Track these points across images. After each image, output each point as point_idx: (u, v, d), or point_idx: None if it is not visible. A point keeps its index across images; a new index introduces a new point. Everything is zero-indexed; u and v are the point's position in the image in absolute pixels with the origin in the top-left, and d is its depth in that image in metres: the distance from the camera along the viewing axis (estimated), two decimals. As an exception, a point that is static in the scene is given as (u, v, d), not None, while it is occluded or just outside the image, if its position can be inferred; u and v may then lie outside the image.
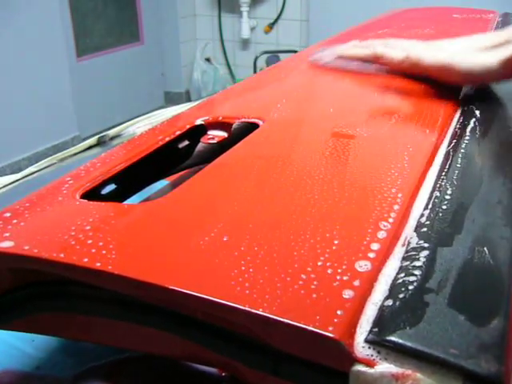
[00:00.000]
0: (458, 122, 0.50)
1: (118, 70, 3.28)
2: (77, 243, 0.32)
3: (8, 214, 0.36)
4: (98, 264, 0.29)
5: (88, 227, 0.33)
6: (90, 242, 0.32)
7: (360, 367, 0.24)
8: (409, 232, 0.32)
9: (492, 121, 0.52)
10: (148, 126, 0.80)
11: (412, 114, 0.53)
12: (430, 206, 0.35)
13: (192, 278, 0.28)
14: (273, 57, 3.13)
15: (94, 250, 0.31)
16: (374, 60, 0.65)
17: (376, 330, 0.24)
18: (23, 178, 0.69)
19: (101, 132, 0.79)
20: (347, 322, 0.25)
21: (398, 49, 0.63)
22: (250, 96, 0.63)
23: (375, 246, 0.30)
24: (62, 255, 0.31)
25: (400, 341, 0.24)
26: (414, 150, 0.43)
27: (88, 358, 0.51)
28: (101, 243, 0.31)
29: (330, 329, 0.24)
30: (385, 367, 0.23)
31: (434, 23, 1.03)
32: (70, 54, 2.88)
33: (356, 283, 0.27)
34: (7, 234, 0.33)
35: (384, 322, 0.25)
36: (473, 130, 0.48)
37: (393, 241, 0.31)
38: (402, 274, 0.28)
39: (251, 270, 0.28)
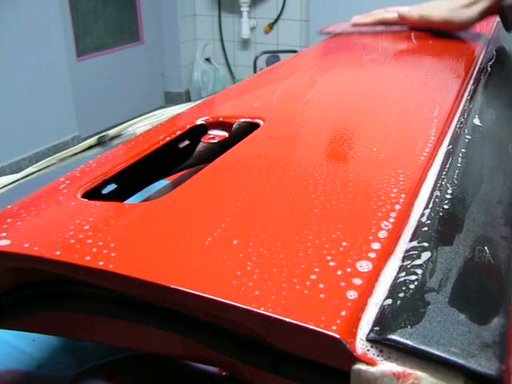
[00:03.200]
0: (458, 121, 0.50)
1: (118, 70, 3.28)
2: (78, 242, 0.32)
3: (5, 214, 0.36)
4: (101, 263, 0.29)
5: (89, 226, 0.33)
6: (90, 241, 0.32)
7: (361, 366, 0.24)
8: (409, 231, 0.32)
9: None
10: (148, 126, 0.80)
11: (413, 112, 0.53)
12: (430, 206, 0.35)
13: (195, 278, 0.28)
14: (273, 57, 3.13)
15: (95, 250, 0.31)
16: (399, 20, 0.92)
17: (377, 328, 0.25)
18: (23, 178, 0.69)
19: (101, 132, 0.79)
20: (349, 321, 0.25)
21: (413, 11, 0.91)
22: (250, 96, 0.64)
23: (376, 246, 0.30)
24: (63, 254, 0.31)
25: (401, 339, 0.24)
26: (415, 149, 0.43)
27: (88, 357, 0.51)
28: (102, 242, 0.31)
29: (332, 328, 0.24)
30: (386, 366, 0.23)
31: None
32: (69, 54, 2.88)
33: (357, 283, 0.27)
34: (4, 234, 0.33)
35: (385, 320, 0.25)
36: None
37: (394, 240, 0.31)
38: (403, 274, 0.28)
39: (255, 270, 0.28)
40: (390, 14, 0.94)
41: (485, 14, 0.84)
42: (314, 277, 0.27)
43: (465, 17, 0.84)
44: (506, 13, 0.82)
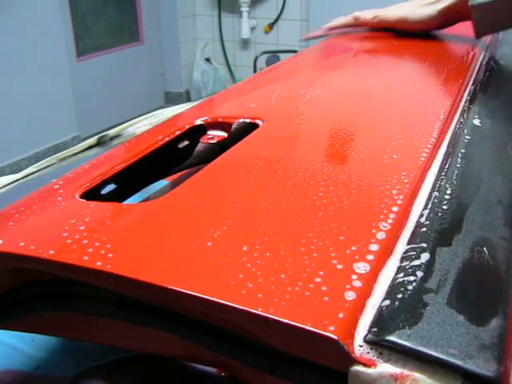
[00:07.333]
0: (458, 121, 0.50)
1: (118, 70, 3.28)
2: (74, 242, 0.32)
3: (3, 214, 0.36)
4: (98, 263, 0.29)
5: (86, 226, 0.33)
6: (87, 241, 0.32)
7: (359, 367, 0.24)
8: (408, 232, 0.32)
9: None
10: (148, 126, 0.80)
11: (413, 113, 0.53)
12: (429, 206, 0.35)
13: (192, 279, 0.28)
14: (273, 57, 3.13)
15: (91, 250, 0.31)
16: (354, 23, 0.92)
17: (375, 330, 0.24)
18: (23, 177, 0.69)
19: (101, 132, 0.79)
20: (347, 322, 0.25)
21: (369, 12, 0.90)
22: (249, 96, 0.63)
23: (374, 247, 0.30)
24: (59, 254, 0.31)
25: (399, 341, 0.24)
26: (416, 150, 0.43)
27: (88, 358, 0.51)
28: (99, 243, 0.31)
29: (330, 329, 0.24)
30: (384, 367, 0.23)
31: None
32: (69, 54, 2.88)
33: (355, 284, 0.27)
34: None
35: (383, 322, 0.25)
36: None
37: (392, 241, 0.31)
38: (402, 274, 0.28)
39: (252, 270, 0.28)
40: (367, 12, 0.92)
41: (447, 15, 0.78)
42: (311, 277, 0.27)
43: (421, 15, 0.81)
44: (473, 15, 0.71)
